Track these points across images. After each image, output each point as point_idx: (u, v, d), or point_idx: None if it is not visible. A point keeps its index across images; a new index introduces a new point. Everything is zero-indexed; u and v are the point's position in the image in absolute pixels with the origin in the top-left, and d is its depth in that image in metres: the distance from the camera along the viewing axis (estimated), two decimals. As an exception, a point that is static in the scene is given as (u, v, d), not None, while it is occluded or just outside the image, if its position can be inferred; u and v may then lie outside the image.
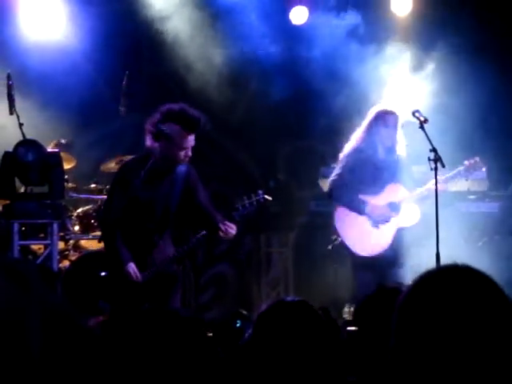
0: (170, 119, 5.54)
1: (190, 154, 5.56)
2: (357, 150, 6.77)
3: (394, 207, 6.74)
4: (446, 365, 1.62)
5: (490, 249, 7.93)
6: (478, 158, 6.81)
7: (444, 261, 6.41)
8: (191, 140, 5.54)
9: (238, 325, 7.96)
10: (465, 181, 8.42)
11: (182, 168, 5.70)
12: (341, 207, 6.84)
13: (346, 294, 7.95)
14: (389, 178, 6.76)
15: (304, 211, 8.89)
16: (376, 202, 6.75)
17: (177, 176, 5.68)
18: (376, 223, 6.75)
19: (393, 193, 6.74)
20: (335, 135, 8.51)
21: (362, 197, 6.78)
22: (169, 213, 5.66)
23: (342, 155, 6.86)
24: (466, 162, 6.77)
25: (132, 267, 5.56)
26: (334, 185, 6.82)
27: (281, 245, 9.64)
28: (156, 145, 5.56)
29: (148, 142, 5.60)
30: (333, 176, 6.85)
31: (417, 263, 6.99)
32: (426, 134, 6.30)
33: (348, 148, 6.84)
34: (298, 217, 9.09)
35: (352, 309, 7.65)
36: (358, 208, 6.75)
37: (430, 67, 8.39)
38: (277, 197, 9.38)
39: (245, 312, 8.12)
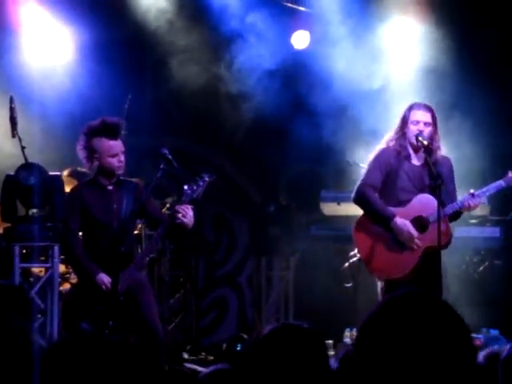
0: (93, 135, 5.87)
1: (122, 159, 5.88)
2: (387, 153, 6.12)
3: (420, 223, 6.05)
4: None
5: (492, 274, 7.93)
6: None
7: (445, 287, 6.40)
8: (118, 145, 5.87)
9: (238, 348, 7.94)
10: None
11: (131, 185, 6.02)
12: (362, 218, 6.15)
13: (347, 318, 7.93)
14: (419, 189, 6.10)
15: (305, 235, 8.88)
16: (401, 215, 6.02)
17: (126, 190, 5.95)
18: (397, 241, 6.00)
19: (421, 206, 6.04)
20: (336, 159, 8.56)
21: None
22: (125, 223, 5.86)
23: (371, 156, 6.19)
24: (509, 172, 6.06)
25: (101, 277, 5.73)
26: (361, 185, 6.08)
27: (282, 268, 9.63)
28: (94, 165, 5.92)
29: (86, 166, 6.04)
30: (361, 179, 6.12)
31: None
32: (430, 159, 6.15)
33: (378, 149, 6.17)
34: (299, 241, 9.08)
35: (353, 332, 7.63)
36: (384, 214, 6.01)
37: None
38: (277, 221, 9.42)
39: (245, 336, 8.11)
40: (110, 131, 5.84)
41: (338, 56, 8.36)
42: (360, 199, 6.12)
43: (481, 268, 8.13)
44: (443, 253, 6.08)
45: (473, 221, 8.40)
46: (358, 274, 6.81)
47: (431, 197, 6.03)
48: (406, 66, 8.62)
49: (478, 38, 8.52)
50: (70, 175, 7.80)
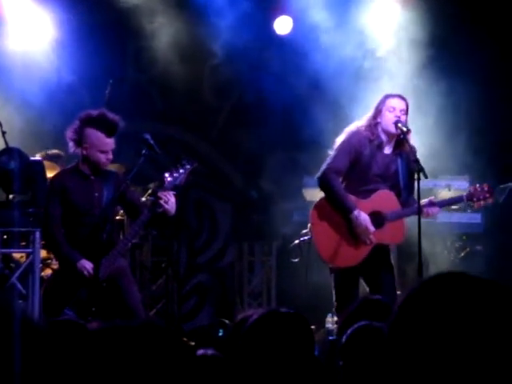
0: (89, 124, 5.79)
1: (111, 157, 5.85)
2: (358, 138, 6.04)
3: (377, 219, 6.11)
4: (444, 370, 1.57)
5: (472, 259, 7.96)
6: (486, 186, 6.21)
7: (425, 271, 6.42)
8: (111, 143, 5.83)
9: (220, 334, 7.95)
10: (447, 191, 8.46)
11: (112, 175, 6.02)
12: (322, 201, 6.12)
13: (329, 304, 7.95)
14: (385, 182, 6.13)
15: (287, 221, 8.89)
16: (361, 206, 6.06)
17: (107, 179, 5.93)
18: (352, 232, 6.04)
19: (382, 201, 6.09)
20: (319, 146, 8.55)
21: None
22: (106, 211, 5.84)
23: (340, 139, 6.09)
24: (471, 188, 6.23)
25: (83, 263, 5.73)
26: (326, 170, 6.01)
27: (264, 254, 9.63)
28: (78, 150, 5.86)
29: (71, 148, 5.92)
30: (327, 161, 6.05)
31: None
32: (409, 145, 6.20)
33: (349, 132, 6.08)
34: (281, 227, 9.08)
35: (334, 318, 7.64)
36: (345, 203, 5.99)
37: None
38: (260, 206, 9.42)
39: (227, 321, 8.12)
40: (108, 128, 5.78)
41: (322, 38, 8.34)
42: (323, 184, 6.09)
43: (463, 253, 8.16)
44: (424, 238, 6.12)
45: (454, 207, 8.42)
46: (308, 252, 6.85)
47: (392, 194, 6.10)
48: (392, 46, 8.60)
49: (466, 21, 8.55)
50: (45, 159, 7.74)
